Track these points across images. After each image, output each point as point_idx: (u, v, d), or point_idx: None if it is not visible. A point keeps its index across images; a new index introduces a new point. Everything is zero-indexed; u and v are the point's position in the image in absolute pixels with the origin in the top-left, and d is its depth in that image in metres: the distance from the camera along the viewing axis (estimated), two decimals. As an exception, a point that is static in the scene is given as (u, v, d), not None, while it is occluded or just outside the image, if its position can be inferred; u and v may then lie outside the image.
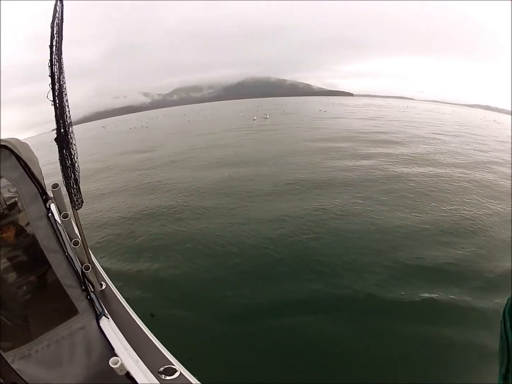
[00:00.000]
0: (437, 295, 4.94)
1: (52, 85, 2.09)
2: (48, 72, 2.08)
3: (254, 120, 39.81)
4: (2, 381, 2.62)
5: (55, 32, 2.08)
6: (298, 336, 4.26)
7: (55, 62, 2.10)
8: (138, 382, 1.75)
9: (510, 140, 22.72)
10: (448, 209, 8.54)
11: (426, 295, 4.94)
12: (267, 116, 43.38)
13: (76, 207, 2.44)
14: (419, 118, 41.74)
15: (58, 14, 2.08)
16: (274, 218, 8.08)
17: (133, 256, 6.73)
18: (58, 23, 2.10)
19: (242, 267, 5.93)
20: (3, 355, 2.04)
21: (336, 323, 4.46)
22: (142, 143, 28.50)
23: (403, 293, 5.00)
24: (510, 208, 8.75)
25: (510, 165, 14.12)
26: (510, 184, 11.12)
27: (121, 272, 6.06)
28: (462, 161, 14.85)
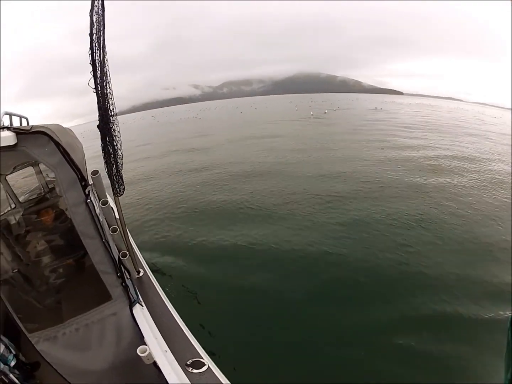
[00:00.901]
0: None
1: (93, 73, 2.13)
2: (89, 60, 2.11)
3: (312, 115, 38.60)
4: (24, 359, 2.94)
5: (94, 20, 2.11)
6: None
7: (96, 50, 2.14)
8: (164, 372, 1.71)
9: None
10: None
11: None
12: (326, 112, 42.53)
13: (118, 194, 2.47)
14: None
15: (98, 3, 2.11)
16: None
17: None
18: (98, 12, 2.13)
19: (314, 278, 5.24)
20: (28, 336, 2.15)
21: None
22: (201, 130, 29.65)
23: None
24: None
25: None
26: None
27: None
28: None
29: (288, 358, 3.69)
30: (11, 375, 2.56)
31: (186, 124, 44.45)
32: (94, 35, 2.11)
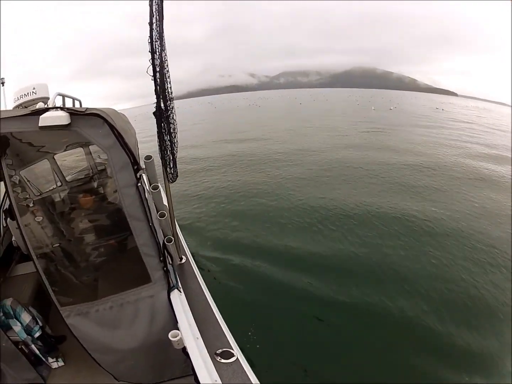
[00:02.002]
0: None
1: (152, 61, 2.13)
2: (148, 48, 2.11)
3: (374, 110, 39.04)
4: (50, 332, 3.07)
5: (154, 10, 2.08)
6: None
7: (156, 39, 2.14)
8: (192, 359, 1.73)
9: None
10: None
11: None
12: (392, 108, 42.08)
13: (170, 180, 2.52)
14: None
15: None
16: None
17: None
18: (158, 2, 2.10)
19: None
20: (60, 309, 2.20)
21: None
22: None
23: None
24: None
25: None
26: None
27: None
28: None
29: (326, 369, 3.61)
30: (32, 346, 2.72)
31: (248, 112, 44.73)
32: (154, 24, 2.10)
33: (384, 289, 4.86)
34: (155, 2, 2.13)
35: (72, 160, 3.33)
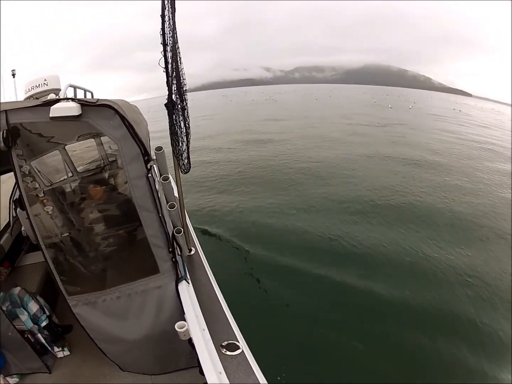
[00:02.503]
0: None
1: (163, 53, 2.16)
2: (160, 40, 2.13)
3: (390, 108, 38.56)
4: (57, 321, 3.09)
5: (166, 2, 2.08)
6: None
7: (169, 31, 2.15)
8: (197, 350, 1.73)
9: None
10: None
11: None
12: (411, 107, 41.55)
13: (183, 171, 2.54)
14: None
15: None
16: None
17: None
18: None
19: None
20: (67, 298, 2.22)
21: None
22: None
23: None
24: None
25: None
26: None
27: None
28: None
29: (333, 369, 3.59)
30: (38, 335, 2.75)
31: (266, 106, 44.08)
32: (166, 16, 2.11)
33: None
34: None
35: (83, 151, 3.34)
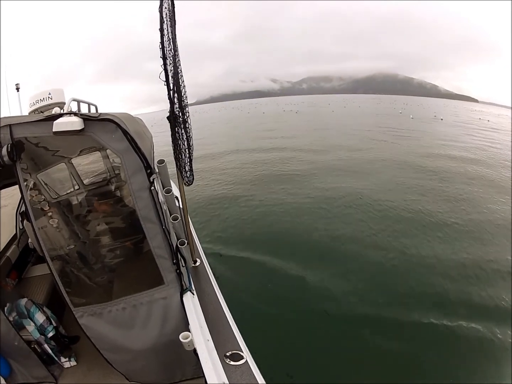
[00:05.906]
0: None
1: (164, 66, 2.17)
2: (160, 53, 2.14)
3: (412, 118, 37.86)
4: (63, 332, 3.11)
5: (164, 16, 2.11)
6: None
7: (169, 45, 2.17)
8: (201, 360, 1.75)
9: None
10: None
11: None
12: (442, 119, 40.00)
13: (186, 183, 2.56)
14: None
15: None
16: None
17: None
18: (168, 7, 2.13)
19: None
20: (73, 310, 2.24)
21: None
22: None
23: None
24: None
25: None
26: None
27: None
28: None
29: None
30: (45, 345, 2.78)
31: (291, 117, 43.68)
32: (165, 30, 2.13)
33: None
34: (165, 7, 2.15)
35: (90, 164, 3.39)
